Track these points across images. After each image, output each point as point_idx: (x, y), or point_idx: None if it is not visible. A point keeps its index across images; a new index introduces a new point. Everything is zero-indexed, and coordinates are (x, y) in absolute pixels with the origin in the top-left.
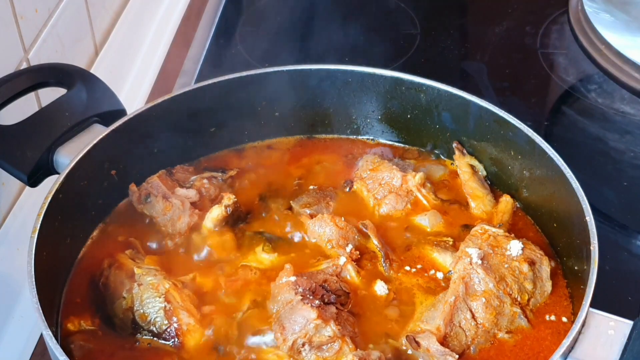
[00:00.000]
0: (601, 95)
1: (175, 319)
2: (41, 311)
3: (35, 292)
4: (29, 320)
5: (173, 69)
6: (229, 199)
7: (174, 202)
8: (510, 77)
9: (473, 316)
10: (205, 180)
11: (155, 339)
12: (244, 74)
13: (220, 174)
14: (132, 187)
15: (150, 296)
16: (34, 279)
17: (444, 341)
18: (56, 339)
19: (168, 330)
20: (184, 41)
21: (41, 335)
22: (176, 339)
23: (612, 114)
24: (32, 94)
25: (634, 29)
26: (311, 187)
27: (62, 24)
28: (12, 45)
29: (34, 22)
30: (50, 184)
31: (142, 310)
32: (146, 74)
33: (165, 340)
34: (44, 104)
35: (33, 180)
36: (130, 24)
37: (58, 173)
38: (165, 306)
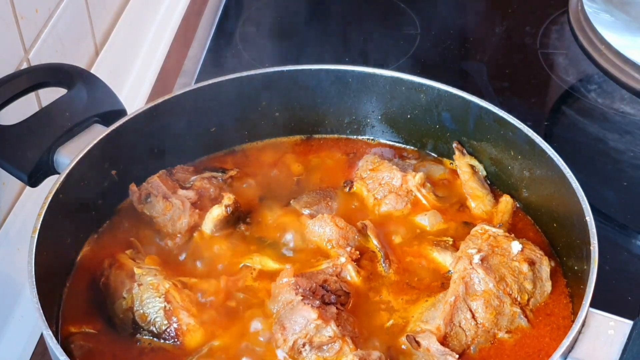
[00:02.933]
0: (601, 95)
1: (175, 319)
2: (41, 311)
3: (36, 292)
4: (30, 320)
5: (173, 69)
6: (229, 199)
7: (174, 202)
8: (510, 77)
9: (473, 316)
10: (205, 181)
11: (155, 339)
12: (244, 74)
13: (220, 174)
14: (133, 187)
15: (150, 296)
16: (34, 279)
17: (444, 341)
18: (56, 339)
19: (168, 330)
20: (184, 41)
21: (41, 335)
22: (176, 339)
23: (612, 114)
24: (32, 94)
25: (634, 29)
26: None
27: (62, 24)
28: (12, 45)
29: (34, 22)
30: (50, 184)
31: (142, 310)
32: (146, 74)
33: (165, 340)
34: (44, 104)
35: (33, 180)
36: (130, 24)
37: (58, 173)
38: (165, 306)
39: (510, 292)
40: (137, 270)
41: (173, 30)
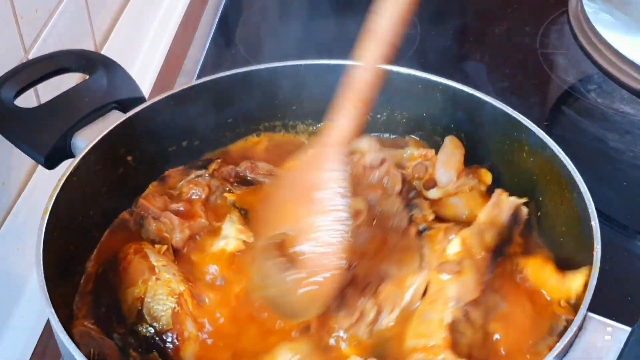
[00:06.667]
0: (601, 95)
1: (179, 325)
2: (47, 292)
3: (43, 276)
4: (30, 320)
5: (173, 69)
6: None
7: (163, 221)
8: (510, 77)
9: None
10: (191, 185)
11: (156, 337)
12: (247, 68)
13: (203, 171)
14: (125, 215)
15: (163, 293)
16: (41, 261)
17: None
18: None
19: (169, 332)
20: (184, 41)
21: (41, 335)
22: (175, 343)
23: (612, 114)
24: (53, 79)
25: (634, 29)
26: None
27: (62, 24)
28: (12, 46)
29: (34, 22)
30: (52, 185)
31: (151, 304)
32: (146, 74)
33: (162, 342)
34: (63, 90)
35: (50, 162)
36: (130, 24)
37: (74, 157)
38: (175, 307)
39: None
40: (157, 263)
41: (173, 30)
